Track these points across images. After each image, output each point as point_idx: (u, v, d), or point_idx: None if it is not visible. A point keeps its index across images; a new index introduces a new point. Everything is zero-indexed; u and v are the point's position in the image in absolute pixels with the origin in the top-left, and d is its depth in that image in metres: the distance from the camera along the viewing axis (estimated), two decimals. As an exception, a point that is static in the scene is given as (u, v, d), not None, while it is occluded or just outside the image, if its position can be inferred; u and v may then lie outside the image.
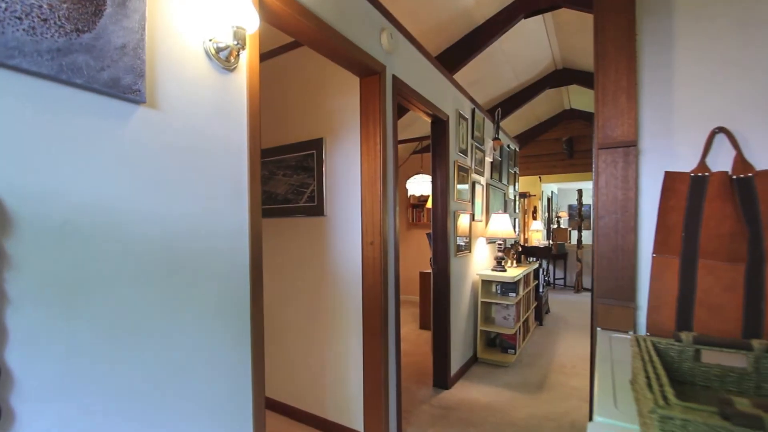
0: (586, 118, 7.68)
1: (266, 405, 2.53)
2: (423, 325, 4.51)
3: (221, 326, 1.16)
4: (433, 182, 2.90)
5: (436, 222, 2.89)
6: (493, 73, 5.21)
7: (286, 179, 2.43)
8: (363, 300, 2.05)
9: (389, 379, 2.04)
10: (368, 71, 1.95)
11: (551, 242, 7.88)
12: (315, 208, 2.28)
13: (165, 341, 1.01)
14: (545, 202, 9.78)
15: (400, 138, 5.54)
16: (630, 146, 1.38)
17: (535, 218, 8.95)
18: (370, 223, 2.02)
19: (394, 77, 2.12)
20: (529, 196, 8.83)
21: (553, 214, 10.86)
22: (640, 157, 1.37)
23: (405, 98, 2.31)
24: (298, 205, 2.36)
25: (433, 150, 2.90)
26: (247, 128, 1.24)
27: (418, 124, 5.89)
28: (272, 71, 2.50)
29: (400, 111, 4.96)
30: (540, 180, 8.80)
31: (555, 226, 10.25)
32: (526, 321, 4.02)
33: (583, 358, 3.55)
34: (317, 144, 2.27)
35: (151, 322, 0.98)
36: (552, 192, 10.97)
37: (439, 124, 2.85)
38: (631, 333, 1.43)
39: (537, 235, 8.50)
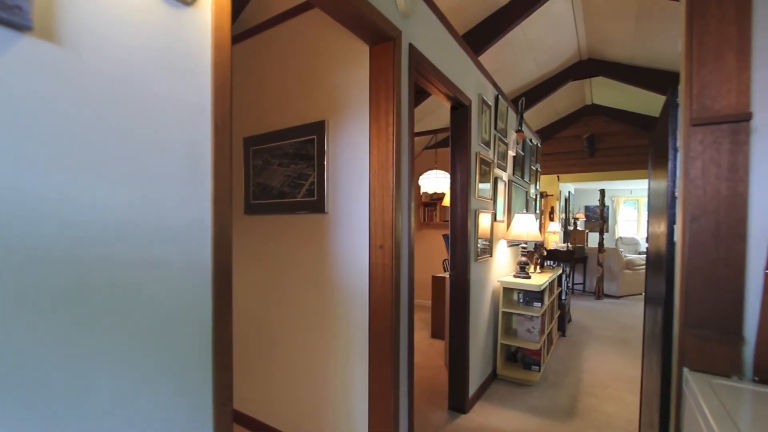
0: (610, 114, 7.22)
1: (253, 427, 2.20)
2: (435, 334, 4.15)
3: (164, 376, 0.82)
4: (452, 176, 2.54)
5: (455, 222, 2.52)
6: (513, 63, 4.81)
7: (282, 169, 2.09)
8: (370, 317, 1.70)
9: (400, 412, 1.69)
10: (380, 36, 1.60)
11: (569, 245, 7.44)
12: (315, 203, 1.93)
13: (66, 403, 0.67)
14: (563, 203, 9.33)
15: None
16: (741, 121, 1.00)
17: (552, 219, 8.51)
18: (379, 223, 1.66)
19: (412, 47, 1.76)
20: (547, 195, 8.40)
21: (570, 215, 10.38)
22: (753, 136, 1.00)
23: (423, 75, 1.95)
24: (296, 200, 2.02)
25: (453, 140, 2.53)
26: (211, 85, 0.89)
27: (433, 117, 5.52)
28: (267, 45, 2.16)
29: (415, 97, 4.59)
30: (558, 179, 8.35)
31: (572, 227, 9.78)
32: (550, 332, 3.64)
33: (614, 377, 3.16)
34: (318, 128, 1.92)
35: (43, 375, 0.63)
36: (569, 192, 10.49)
37: (461, 110, 2.48)
38: (735, 378, 1.05)
39: (554, 237, 8.06)
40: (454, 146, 2.53)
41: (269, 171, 2.14)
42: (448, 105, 2.49)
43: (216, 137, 0.90)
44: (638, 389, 2.93)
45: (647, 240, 2.04)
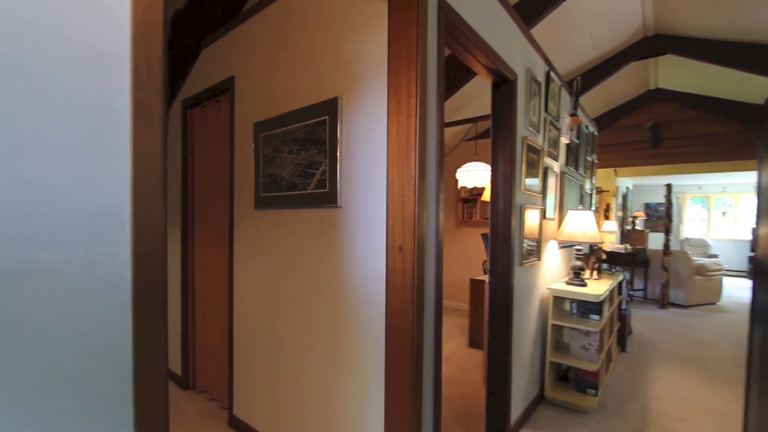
0: (677, 99, 6.35)
1: (267, 449, 1.97)
2: (473, 342, 3.76)
3: None
4: (494, 166, 2.16)
5: (496, 219, 2.14)
6: (566, 40, 4.26)
7: (292, 158, 1.82)
8: (387, 333, 1.39)
9: (423, 452, 1.36)
10: (400, -15, 1.27)
11: (628, 246, 6.66)
12: (326, 195, 1.65)
13: None
14: (620, 199, 8.46)
15: (448, 121, 4.79)
16: None
17: (607, 217, 7.70)
18: (398, 219, 1.34)
19: (442, 1, 1.42)
20: (602, 191, 7.62)
21: (628, 213, 9.42)
22: None
23: (456, 39, 1.59)
24: (306, 192, 1.75)
25: (495, 123, 2.15)
26: (130, 21, 0.62)
27: (472, 106, 5.09)
28: (278, 19, 1.91)
29: (452, 83, 4.20)
30: (615, 173, 7.55)
31: (630, 227, 8.85)
32: (609, 348, 3.13)
33: (691, 407, 2.62)
34: (331, 106, 1.63)
35: None
36: (627, 188, 9.53)
37: (504, 87, 2.09)
38: None
39: (610, 237, 7.29)
40: (495, 131, 2.14)
41: (279, 159, 1.89)
42: (488, 82, 2.11)
43: (137, 95, 0.62)
44: (728, 425, 2.38)
45: (753, 243, 1.56)
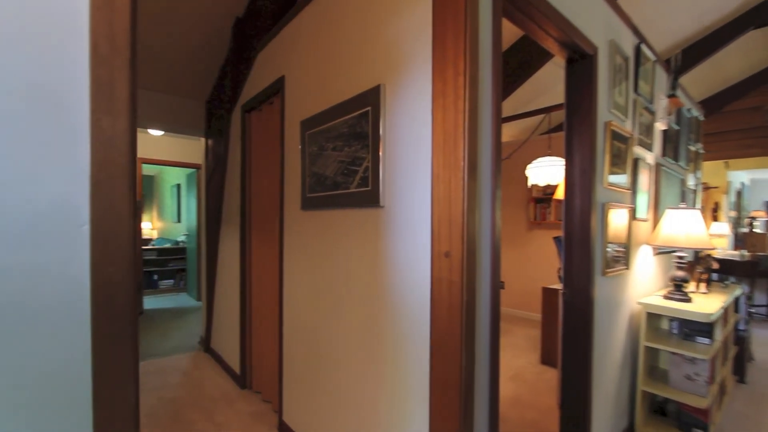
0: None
1: (313, 461, 1.88)
2: (547, 359, 3.35)
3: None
4: (568, 158, 1.83)
5: (571, 220, 1.82)
6: (661, 9, 3.63)
7: (335, 155, 1.71)
8: (431, 355, 1.19)
9: (476, 499, 1.14)
10: (444, -57, 1.08)
11: (745, 253, 5.54)
12: (368, 195, 1.50)
13: None
14: (733, 197, 7.12)
15: (517, 113, 4.39)
16: None
17: (716, 218, 6.52)
18: (444, 220, 1.14)
19: (497, -40, 1.19)
20: (709, 188, 6.48)
21: (744, 213, 7.90)
22: None
23: (518, 7, 1.34)
24: (348, 191, 1.62)
25: (570, 106, 1.82)
26: (85, -19, 0.52)
27: (546, 96, 4.61)
28: (316, 12, 1.81)
29: (519, 69, 3.83)
30: (726, 166, 6.36)
31: (746, 230, 7.40)
32: (722, 379, 2.54)
33: None
34: (373, 96, 1.48)
35: None
36: (742, 183, 8.02)
37: (581, 64, 1.76)
38: None
39: (720, 242, 6.17)
40: (570, 116, 1.82)
41: (323, 157, 1.79)
42: (561, 59, 1.80)
43: (97, 71, 0.52)
44: None
45: None
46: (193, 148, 5.62)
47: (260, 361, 2.55)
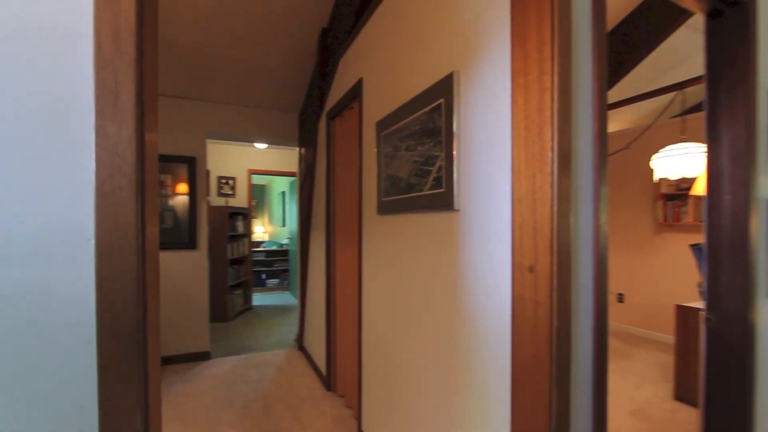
0: None
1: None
2: (682, 394, 2.70)
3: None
4: (712, 142, 1.40)
5: (717, 222, 1.38)
6: None
7: (408, 155, 1.58)
8: (513, 391, 0.97)
9: None
10: None
11: None
12: (442, 197, 1.34)
13: None
14: None
15: (637, 93, 3.70)
16: None
17: None
18: (528, 224, 0.92)
19: None
20: None
21: None
22: None
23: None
24: (422, 193, 1.48)
25: (712, 75, 1.39)
26: (86, -24, 0.49)
27: (680, 71, 3.80)
28: (388, 8, 1.71)
29: (631, 45, 3.22)
30: None
31: None
32: None
33: None
34: (445, 86, 1.32)
35: None
36: None
37: (731, 16, 1.33)
38: None
39: None
40: (714, 87, 1.39)
41: (397, 159, 1.68)
42: (699, 11, 1.39)
43: (100, 75, 0.49)
44: None
45: None
46: (295, 159, 6.09)
47: (343, 365, 2.56)
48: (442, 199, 1.34)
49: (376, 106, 1.93)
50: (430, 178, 1.42)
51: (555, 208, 0.86)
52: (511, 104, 0.98)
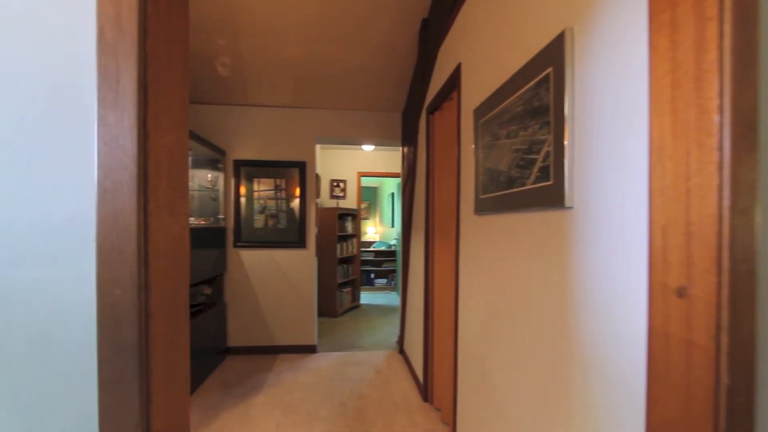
0: None
1: None
2: None
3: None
4: None
5: None
6: None
7: (510, 143, 1.33)
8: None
9: None
10: None
11: None
12: (549, 191, 1.07)
13: None
14: None
15: None
16: None
17: None
18: (677, 229, 0.62)
19: None
20: None
21: None
22: None
23: None
24: (525, 188, 1.22)
25: None
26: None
27: None
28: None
29: None
30: None
31: None
32: None
33: None
34: (554, 50, 1.05)
35: None
36: None
37: None
38: None
39: None
40: None
41: (497, 148, 1.44)
42: None
43: (102, 60, 0.44)
44: None
45: None
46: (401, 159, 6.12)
47: (441, 376, 2.38)
48: (549, 194, 1.07)
49: (475, 92, 1.71)
50: (535, 169, 1.16)
51: (726, 202, 0.56)
52: (649, 51, 0.69)
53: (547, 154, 1.09)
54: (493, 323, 1.46)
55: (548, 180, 1.08)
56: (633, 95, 0.75)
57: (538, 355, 1.12)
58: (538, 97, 1.15)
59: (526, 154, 1.22)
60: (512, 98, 1.31)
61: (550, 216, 1.08)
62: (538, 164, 1.14)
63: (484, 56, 1.61)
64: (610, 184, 0.82)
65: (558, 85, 1.03)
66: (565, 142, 0.99)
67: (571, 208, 0.98)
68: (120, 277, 0.45)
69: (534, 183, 1.16)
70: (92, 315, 0.46)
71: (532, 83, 1.18)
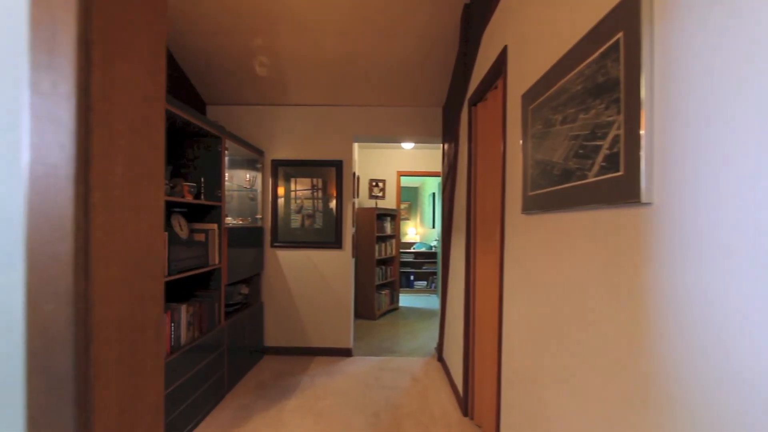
0: None
1: None
2: None
3: None
4: None
5: None
6: None
7: (566, 129, 1.14)
8: None
9: None
10: None
11: None
12: (619, 184, 0.87)
13: None
14: None
15: None
16: None
17: None
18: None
19: None
20: None
21: None
22: None
23: None
24: (585, 181, 1.02)
25: None
26: None
27: None
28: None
29: None
30: None
31: None
32: None
33: None
34: (625, 13, 0.85)
35: None
36: None
37: None
38: None
39: None
40: None
41: (550, 137, 1.25)
42: None
43: (35, 12, 0.34)
44: None
45: None
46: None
47: (482, 390, 2.18)
48: (619, 188, 0.87)
49: (523, 75, 1.52)
50: (599, 158, 0.96)
51: None
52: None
53: (616, 139, 0.89)
54: (542, 339, 1.27)
55: (617, 170, 0.88)
56: (734, 49, 0.55)
57: (608, 387, 0.92)
58: (602, 72, 0.95)
59: (587, 141, 1.02)
60: (570, 75, 1.11)
61: (618, 214, 0.89)
62: (603, 152, 0.94)
63: (534, 32, 1.41)
64: (706, 171, 0.62)
65: (631, 50, 0.84)
66: (642, 121, 0.79)
67: (649, 204, 0.78)
68: (53, 288, 0.35)
69: (597, 175, 0.96)
70: (19, 336, 0.36)
71: (596, 55, 0.98)
